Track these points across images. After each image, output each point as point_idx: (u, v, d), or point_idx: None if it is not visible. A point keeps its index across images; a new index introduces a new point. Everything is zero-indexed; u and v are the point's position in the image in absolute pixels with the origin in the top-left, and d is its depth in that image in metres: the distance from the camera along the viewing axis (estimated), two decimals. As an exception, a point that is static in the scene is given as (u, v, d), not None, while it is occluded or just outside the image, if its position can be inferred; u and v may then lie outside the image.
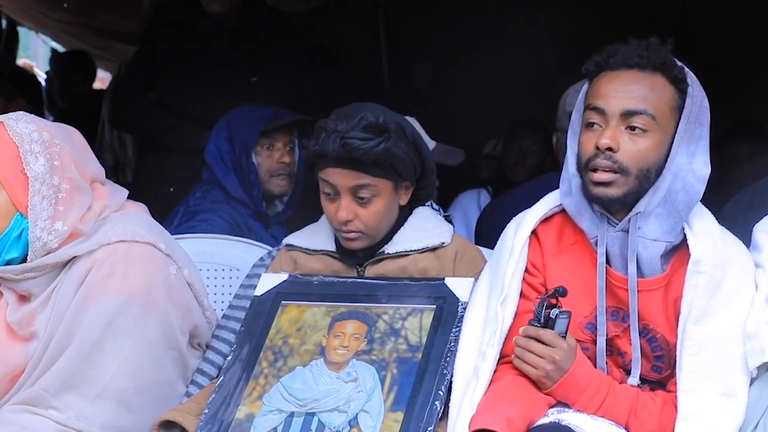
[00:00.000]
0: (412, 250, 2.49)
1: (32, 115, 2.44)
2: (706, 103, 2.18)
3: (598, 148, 2.12)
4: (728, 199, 2.81)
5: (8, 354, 2.39)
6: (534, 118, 4.70)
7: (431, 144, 3.44)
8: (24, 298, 2.42)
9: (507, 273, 2.24)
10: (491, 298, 2.26)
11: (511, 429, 2.02)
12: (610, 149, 2.11)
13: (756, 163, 3.97)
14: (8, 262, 2.38)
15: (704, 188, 2.18)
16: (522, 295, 2.25)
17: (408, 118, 2.58)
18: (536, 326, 2.11)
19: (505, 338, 2.21)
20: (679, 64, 2.17)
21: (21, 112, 2.44)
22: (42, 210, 2.34)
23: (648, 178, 2.14)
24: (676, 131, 2.15)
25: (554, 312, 2.10)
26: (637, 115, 2.12)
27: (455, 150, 3.76)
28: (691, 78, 2.17)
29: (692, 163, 2.16)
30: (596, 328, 2.21)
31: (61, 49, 7.64)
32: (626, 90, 2.13)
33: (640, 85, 2.13)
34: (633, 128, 2.12)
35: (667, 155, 2.15)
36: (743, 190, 2.85)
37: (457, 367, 2.23)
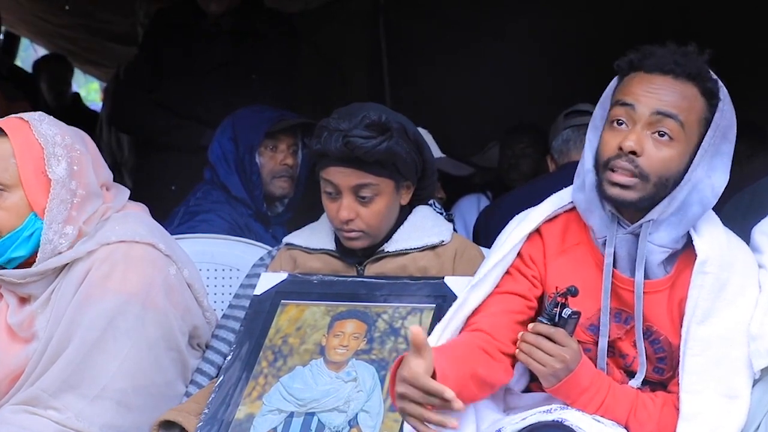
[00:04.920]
0: (411, 249, 2.49)
1: (51, 116, 2.44)
2: (734, 120, 2.16)
3: (621, 149, 2.09)
4: (728, 200, 2.81)
5: (9, 356, 2.39)
6: (528, 122, 4.69)
7: (438, 154, 3.46)
8: (24, 300, 2.43)
9: (489, 262, 2.24)
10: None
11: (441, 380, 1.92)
12: (633, 152, 2.08)
13: (755, 164, 3.97)
14: (10, 260, 2.39)
15: (716, 201, 2.16)
16: (508, 273, 2.24)
17: (420, 129, 2.58)
18: (546, 324, 2.11)
19: (469, 318, 2.19)
20: (714, 77, 2.14)
21: (40, 112, 2.44)
22: (58, 213, 2.35)
23: (665, 186, 2.12)
24: (699, 143, 2.13)
25: (567, 312, 2.09)
26: (668, 118, 2.09)
27: (463, 165, 3.78)
28: (724, 93, 2.14)
29: (711, 177, 2.14)
30: (598, 329, 2.20)
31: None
32: (659, 93, 2.10)
33: (673, 92, 2.10)
34: (661, 134, 2.09)
35: (687, 166, 2.12)
36: (742, 191, 2.85)
37: None
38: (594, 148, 2.20)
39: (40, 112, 2.44)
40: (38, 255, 2.36)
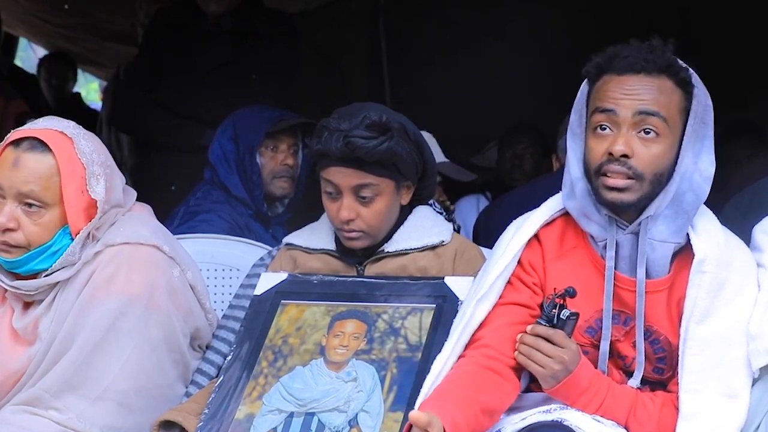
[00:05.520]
0: (412, 249, 2.49)
1: (81, 127, 2.42)
2: (709, 102, 2.17)
3: (611, 154, 2.10)
4: (728, 200, 2.81)
5: (11, 358, 2.39)
6: (527, 122, 4.69)
7: (441, 158, 3.46)
8: (29, 305, 2.42)
9: (492, 273, 2.24)
10: (471, 294, 2.26)
11: (453, 431, 1.98)
12: (625, 156, 2.09)
13: (755, 164, 3.97)
14: (29, 270, 2.38)
15: (710, 187, 2.17)
16: (509, 282, 2.24)
17: (424, 133, 2.58)
18: (545, 326, 2.11)
19: (476, 330, 2.21)
20: (683, 65, 2.16)
21: (74, 123, 2.42)
22: (87, 230, 2.36)
23: (660, 182, 2.13)
24: (682, 134, 2.14)
25: (565, 313, 2.10)
26: (651, 116, 2.09)
27: (465, 171, 3.78)
28: (696, 79, 2.16)
29: (698, 163, 2.15)
30: (596, 332, 2.20)
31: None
32: (636, 93, 2.11)
33: (650, 89, 2.11)
34: (647, 132, 2.10)
35: (676, 158, 2.14)
36: (742, 191, 2.85)
37: (434, 365, 2.20)
38: (578, 155, 2.20)
39: (73, 124, 2.41)
40: (55, 265, 2.36)
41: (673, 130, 2.13)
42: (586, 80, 2.21)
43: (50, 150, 2.33)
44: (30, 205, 2.33)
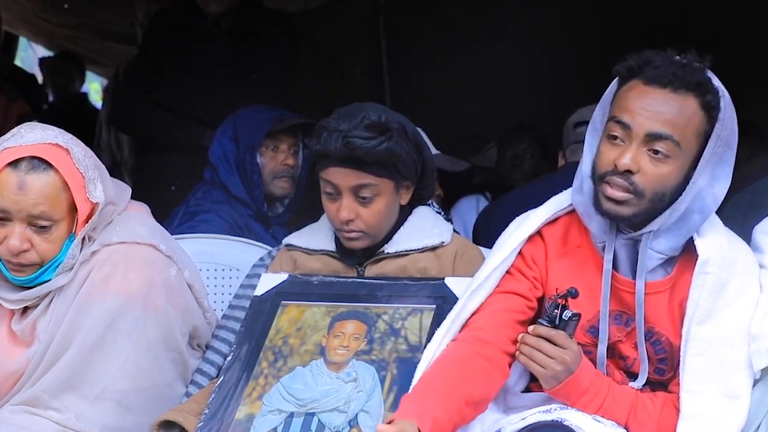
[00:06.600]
0: (411, 250, 2.49)
1: (65, 132, 2.40)
2: (736, 126, 2.13)
3: (616, 165, 2.09)
4: (728, 200, 2.81)
5: (10, 360, 2.39)
6: (527, 122, 4.69)
7: (433, 151, 3.45)
8: (27, 307, 2.42)
9: (489, 265, 2.24)
10: (467, 288, 2.27)
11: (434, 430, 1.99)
12: (629, 171, 2.08)
13: (755, 164, 3.97)
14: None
15: (717, 207, 2.16)
16: (509, 273, 2.24)
17: None
18: (547, 326, 2.11)
19: (469, 318, 2.22)
20: (715, 86, 2.11)
21: (61, 130, 2.40)
22: (84, 232, 2.36)
23: (662, 200, 2.11)
24: (698, 154, 2.11)
25: (567, 314, 2.10)
26: (661, 139, 2.07)
27: (458, 160, 3.78)
28: (725, 101, 2.11)
29: (714, 187, 2.13)
30: (599, 331, 2.20)
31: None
32: (654, 110, 2.07)
33: (670, 107, 2.07)
34: (656, 152, 2.08)
35: (686, 177, 2.11)
36: (742, 191, 2.85)
37: (424, 355, 2.21)
38: (593, 152, 2.19)
39: (58, 130, 2.39)
40: (57, 270, 2.36)
41: (686, 153, 2.09)
42: (617, 78, 2.18)
43: (51, 166, 2.31)
44: (40, 224, 2.32)
